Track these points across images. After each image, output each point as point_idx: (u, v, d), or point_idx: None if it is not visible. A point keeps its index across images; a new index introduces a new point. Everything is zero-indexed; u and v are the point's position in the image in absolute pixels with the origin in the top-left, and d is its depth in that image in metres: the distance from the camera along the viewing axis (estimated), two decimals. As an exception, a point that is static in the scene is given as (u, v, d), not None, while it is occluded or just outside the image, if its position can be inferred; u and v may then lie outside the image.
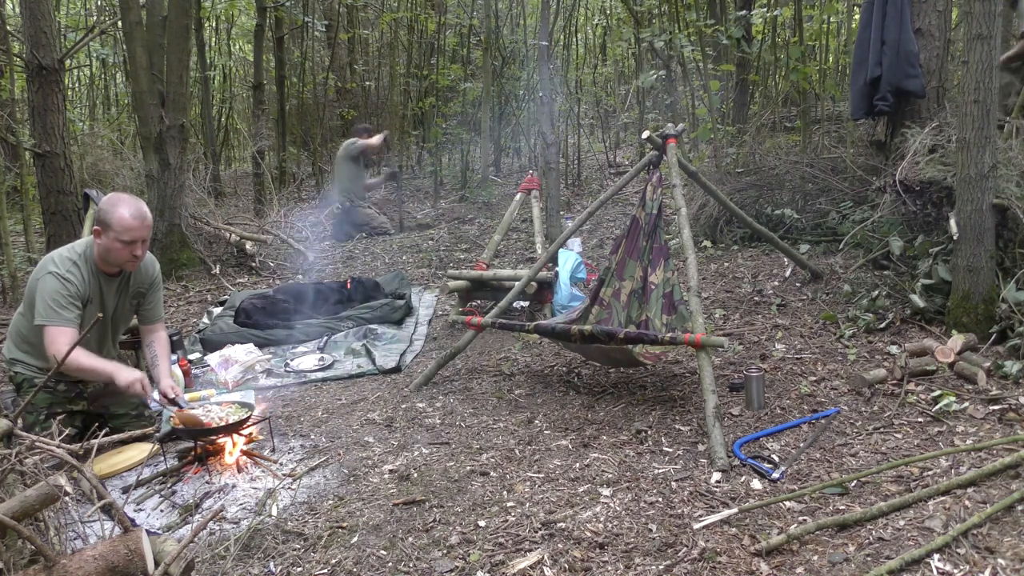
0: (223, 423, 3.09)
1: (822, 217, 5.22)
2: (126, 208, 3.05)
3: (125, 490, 2.93)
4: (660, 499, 2.62)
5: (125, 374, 3.06)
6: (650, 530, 2.43)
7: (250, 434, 3.26)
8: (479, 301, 5.16)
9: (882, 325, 3.87)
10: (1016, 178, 3.57)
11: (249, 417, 3.17)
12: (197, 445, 3.10)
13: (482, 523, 2.55)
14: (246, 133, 10.84)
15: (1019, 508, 2.33)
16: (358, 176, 8.10)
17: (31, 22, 5.33)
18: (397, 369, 4.29)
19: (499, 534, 2.47)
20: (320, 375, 4.27)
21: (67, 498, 1.95)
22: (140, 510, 2.80)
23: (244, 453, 3.12)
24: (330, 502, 2.77)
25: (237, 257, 6.78)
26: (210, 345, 4.62)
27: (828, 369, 3.61)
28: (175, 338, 4.07)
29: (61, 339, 2.99)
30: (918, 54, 4.37)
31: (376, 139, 8.07)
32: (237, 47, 12.65)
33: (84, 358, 3.02)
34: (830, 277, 4.59)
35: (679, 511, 2.54)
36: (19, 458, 1.99)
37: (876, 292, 4.07)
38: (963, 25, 3.45)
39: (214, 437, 3.09)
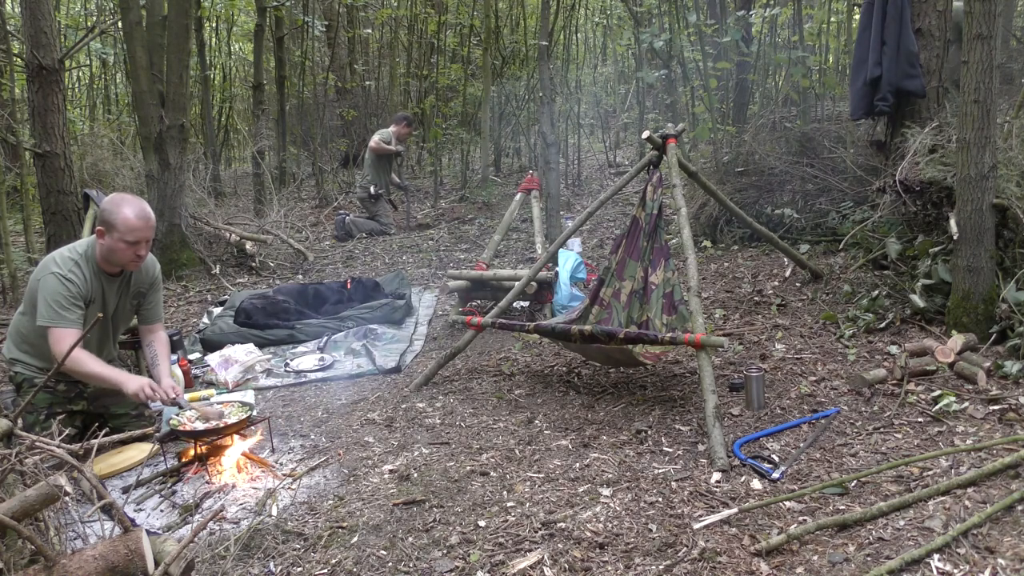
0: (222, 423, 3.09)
1: (822, 217, 5.22)
2: (130, 209, 3.06)
3: (125, 490, 2.93)
4: (660, 499, 2.62)
5: (132, 383, 3.07)
6: (650, 530, 2.43)
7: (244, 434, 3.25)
8: (479, 301, 5.16)
9: (882, 325, 3.87)
10: (1016, 178, 3.57)
11: (249, 417, 3.17)
12: (197, 445, 3.10)
13: (482, 523, 2.55)
14: (246, 133, 10.84)
15: (1019, 508, 2.33)
16: (378, 166, 8.10)
17: (31, 22, 5.33)
18: (397, 369, 4.29)
19: (499, 534, 2.47)
20: (320, 375, 4.27)
21: (67, 498, 1.95)
22: (140, 510, 2.80)
23: (244, 454, 3.11)
24: (330, 502, 2.77)
25: (237, 257, 6.78)
26: (210, 345, 4.63)
27: (828, 369, 3.61)
28: (175, 338, 4.07)
29: (66, 340, 2.98)
30: (918, 54, 4.38)
31: (389, 147, 8.07)
32: (237, 47, 12.66)
33: (94, 364, 3.03)
34: (830, 277, 4.59)
35: (679, 511, 2.54)
36: (19, 458, 1.99)
37: (876, 292, 4.07)
38: (963, 25, 3.45)
39: (214, 437, 3.09)
